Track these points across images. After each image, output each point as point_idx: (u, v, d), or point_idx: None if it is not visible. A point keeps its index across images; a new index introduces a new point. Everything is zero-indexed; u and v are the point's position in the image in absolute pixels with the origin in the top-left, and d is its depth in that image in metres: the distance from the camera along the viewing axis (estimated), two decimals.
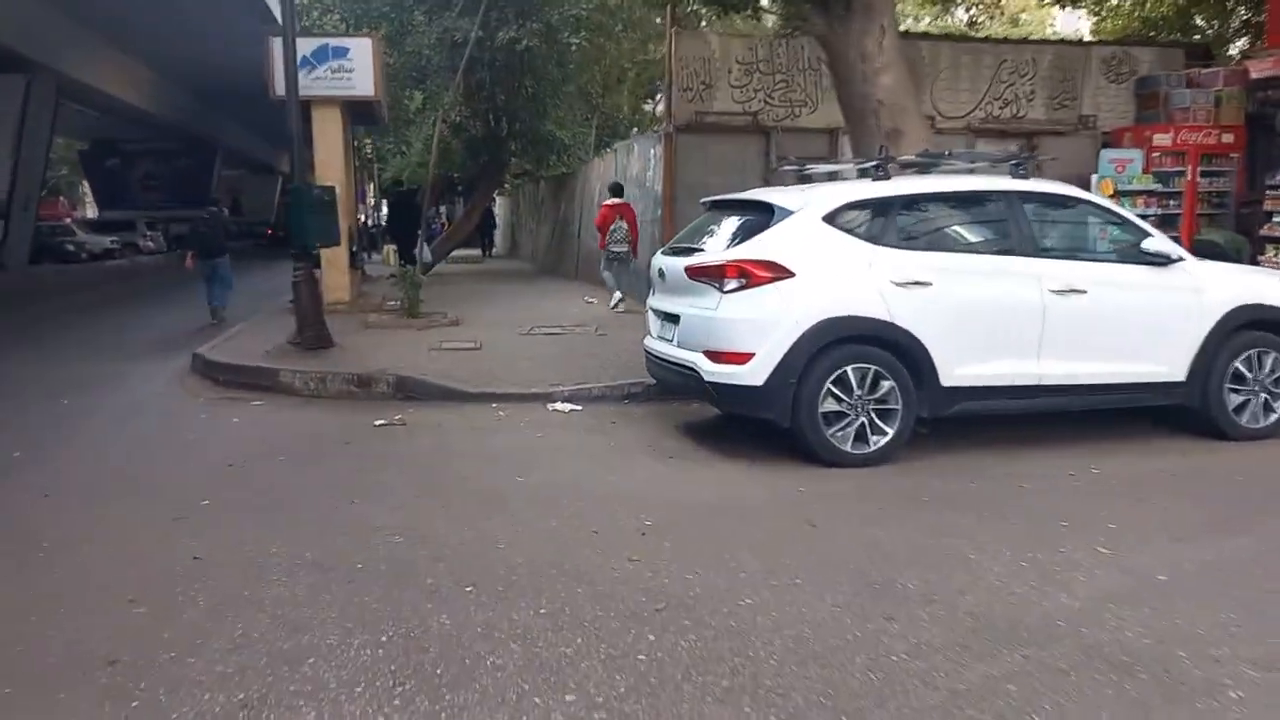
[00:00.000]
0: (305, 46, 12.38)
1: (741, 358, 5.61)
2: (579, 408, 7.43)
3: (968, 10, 30.92)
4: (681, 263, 6.12)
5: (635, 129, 29.30)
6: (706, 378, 5.75)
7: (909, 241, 5.91)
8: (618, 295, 12.68)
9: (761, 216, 5.93)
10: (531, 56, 18.88)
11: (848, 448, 5.65)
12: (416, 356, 8.91)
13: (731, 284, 5.67)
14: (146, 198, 48.43)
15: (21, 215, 26.84)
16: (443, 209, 38.19)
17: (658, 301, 6.59)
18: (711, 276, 5.78)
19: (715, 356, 5.72)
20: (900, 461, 5.71)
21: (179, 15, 23.61)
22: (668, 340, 6.32)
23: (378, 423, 6.95)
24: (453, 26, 18.12)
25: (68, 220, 39.00)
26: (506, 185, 30.25)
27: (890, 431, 5.70)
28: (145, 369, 9.56)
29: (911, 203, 6.02)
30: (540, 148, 20.87)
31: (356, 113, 14.84)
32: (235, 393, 8.20)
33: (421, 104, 19.81)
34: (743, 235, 5.93)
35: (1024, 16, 33.02)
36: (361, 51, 12.47)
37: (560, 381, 7.93)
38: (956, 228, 6.12)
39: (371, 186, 39.30)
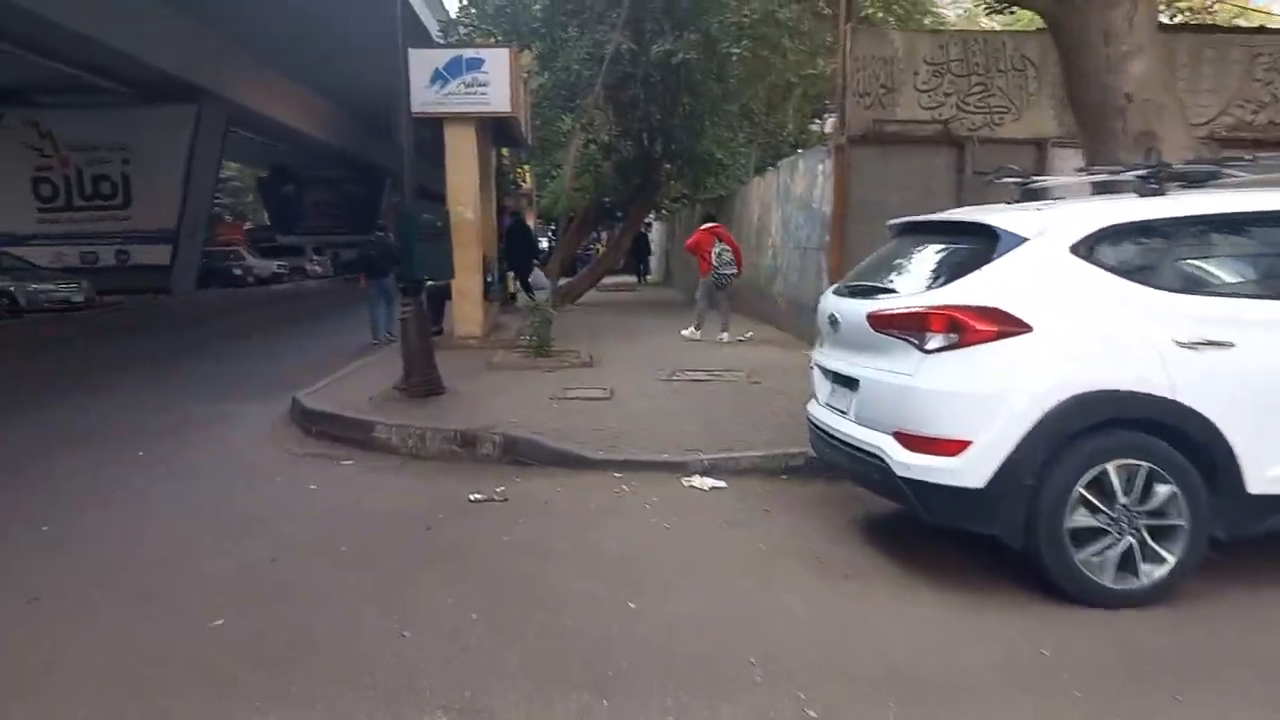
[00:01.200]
0: (438, 59, 11.59)
1: (952, 446, 4.01)
2: (722, 484, 5.98)
3: None
4: (863, 308, 4.57)
5: (800, 150, 27.76)
6: (899, 472, 4.17)
7: (1199, 284, 4.16)
8: (699, 334, 12.49)
9: (979, 245, 4.31)
10: (689, 70, 17.68)
11: (1107, 581, 3.95)
12: (535, 407, 7.69)
13: (938, 340, 4.08)
14: (318, 223, 50.62)
15: (189, 241, 27.88)
16: (602, 234, 37.67)
17: (827, 358, 5.05)
18: (908, 329, 4.22)
19: (912, 442, 4.14)
20: (1184, 603, 3.96)
21: (343, 43, 23.92)
22: (841, 412, 4.76)
23: (473, 497, 5.72)
24: (604, 39, 17.21)
25: (237, 246, 40.87)
26: (664, 210, 29.28)
27: (1171, 559, 3.97)
28: (249, 410, 8.78)
29: (1203, 228, 4.25)
30: (697, 169, 19.64)
31: (498, 133, 14.00)
32: (327, 447, 7.20)
33: (571, 125, 18.97)
34: (952, 271, 4.33)
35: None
36: (497, 63, 11.55)
37: (701, 446, 6.50)
38: (1270, 265, 4.29)
39: (530, 216, 39.40)
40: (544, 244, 25.84)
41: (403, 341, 8.05)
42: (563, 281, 23.61)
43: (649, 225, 37.64)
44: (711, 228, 12.58)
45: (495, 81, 11.60)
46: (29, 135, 26.33)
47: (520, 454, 6.54)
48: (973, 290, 4.10)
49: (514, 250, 24.53)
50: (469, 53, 11.56)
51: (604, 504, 5.62)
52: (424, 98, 11.51)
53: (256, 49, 26.05)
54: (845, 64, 10.47)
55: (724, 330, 12.23)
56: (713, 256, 12.10)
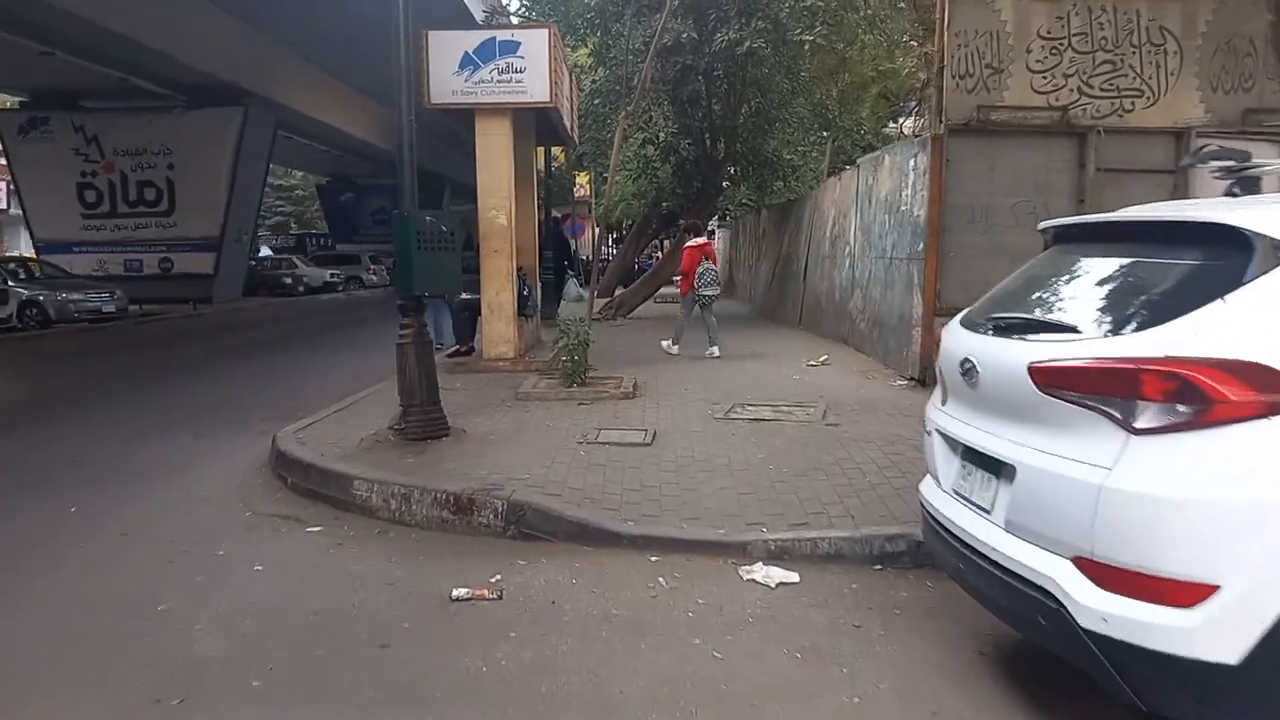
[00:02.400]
0: (467, 41, 10.26)
1: (1183, 592, 2.43)
2: (794, 576, 4.46)
3: None
4: (1021, 354, 2.99)
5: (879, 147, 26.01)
6: (1084, 623, 2.60)
7: None
8: (676, 348, 12.10)
9: (1213, 259, 2.72)
10: (756, 62, 16.18)
11: None
12: (558, 455, 6.25)
13: (1158, 414, 2.52)
14: (376, 232, 50.13)
15: (234, 248, 27.18)
16: (665, 242, 36.24)
17: (956, 421, 3.46)
18: (1105, 393, 2.64)
19: (1110, 578, 2.57)
20: None
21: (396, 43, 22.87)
22: (981, 509, 3.18)
23: (456, 594, 4.29)
24: (664, 28, 15.79)
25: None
26: (726, 216, 27.74)
27: None
28: (232, 448, 7.51)
29: None
30: (763, 171, 18.11)
31: (542, 128, 12.64)
32: (298, 505, 5.86)
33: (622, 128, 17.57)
34: (1171, 301, 2.73)
35: None
36: (535, 46, 10.18)
37: (765, 519, 5.00)
38: None
39: (588, 224, 38.12)
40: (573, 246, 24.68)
41: (399, 372, 6.66)
42: (618, 292, 22.27)
43: (711, 232, 36.16)
44: (700, 245, 12.31)
45: (533, 67, 10.23)
46: (75, 140, 25.88)
47: (528, 524, 5.09)
48: (1217, 333, 2.52)
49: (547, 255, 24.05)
50: (503, 34, 10.21)
51: (631, 609, 4.13)
52: (451, 85, 10.20)
53: (306, 50, 25.26)
54: (943, 39, 8.85)
55: (713, 345, 11.80)
56: (695, 276, 11.89)
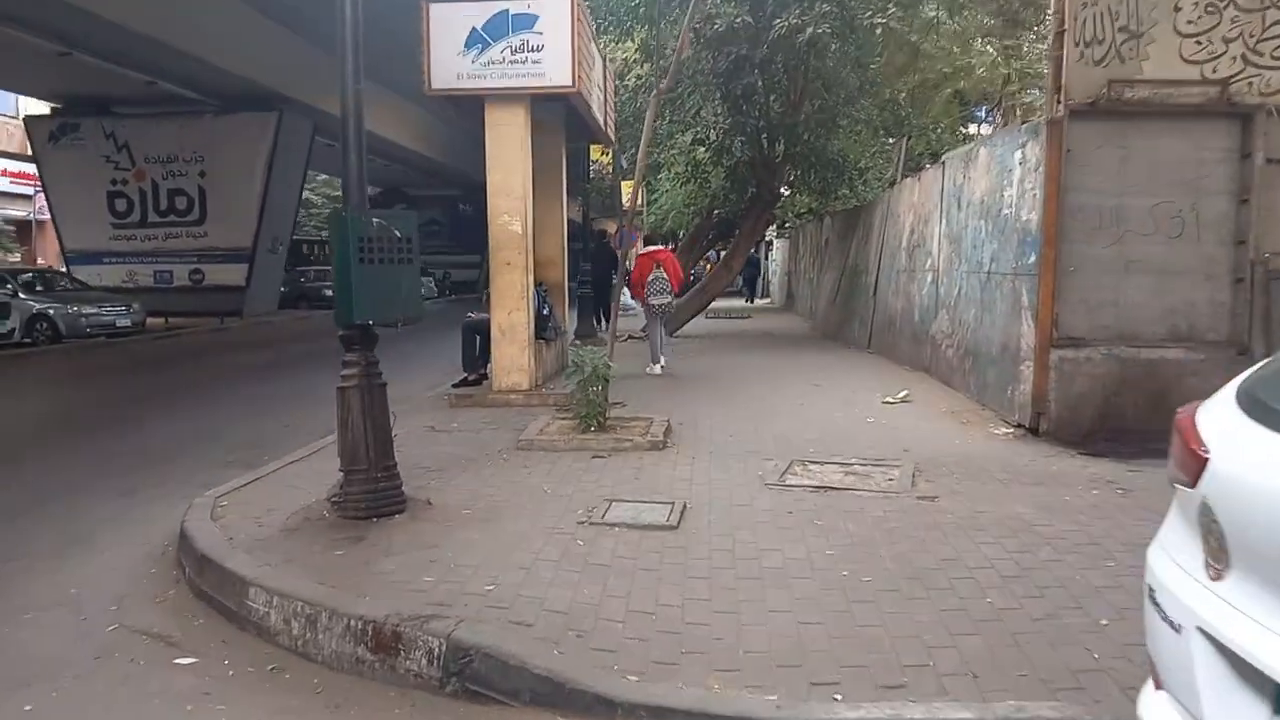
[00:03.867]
0: (475, 15, 8.63)
1: None
2: None
3: None
4: None
5: (947, 152, 23.84)
6: None
7: None
8: (661, 363, 11.47)
9: None
10: (818, 54, 14.39)
11: None
12: (544, 550, 4.51)
13: None
14: (429, 243, 49.16)
15: (268, 259, 26.09)
16: (720, 253, 34.44)
17: (1260, 630, 1.66)
18: None
19: None
20: None
21: None
22: None
23: None
24: (715, 12, 14.09)
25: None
26: (785, 224, 25.87)
27: None
28: (145, 515, 5.90)
29: None
30: (825, 174, 16.23)
31: (571, 123, 11.00)
32: (180, 618, 4.25)
33: (669, 126, 15.82)
34: None
35: None
36: (555, 19, 8.53)
37: (840, 673, 3.26)
38: None
39: (639, 236, 36.55)
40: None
41: (339, 426, 5.00)
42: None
43: (769, 242, 34.20)
44: (652, 252, 11.80)
45: (552, 45, 8.59)
46: (105, 147, 25.02)
47: (477, 678, 3.38)
48: None
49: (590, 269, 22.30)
50: (516, 5, 8.55)
51: None
52: (456, 68, 8.61)
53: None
54: None
55: (654, 362, 11.41)
56: (646, 285, 11.42)
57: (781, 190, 16.78)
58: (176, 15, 18.21)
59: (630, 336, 16.98)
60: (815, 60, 14.65)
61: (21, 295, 18.21)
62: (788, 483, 5.75)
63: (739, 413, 8.33)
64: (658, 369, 11.29)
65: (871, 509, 5.18)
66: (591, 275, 24.60)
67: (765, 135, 15.85)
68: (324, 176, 56.44)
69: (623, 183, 34.48)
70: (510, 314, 8.96)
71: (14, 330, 16.43)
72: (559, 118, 10.90)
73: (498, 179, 8.89)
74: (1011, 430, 7.27)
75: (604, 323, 23.46)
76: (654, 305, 11.48)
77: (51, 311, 18.00)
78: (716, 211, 22.24)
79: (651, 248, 12.10)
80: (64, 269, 26.23)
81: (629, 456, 6.49)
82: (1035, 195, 7.15)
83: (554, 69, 8.58)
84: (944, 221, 9.92)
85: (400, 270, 4.92)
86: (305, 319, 26.65)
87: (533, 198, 11.22)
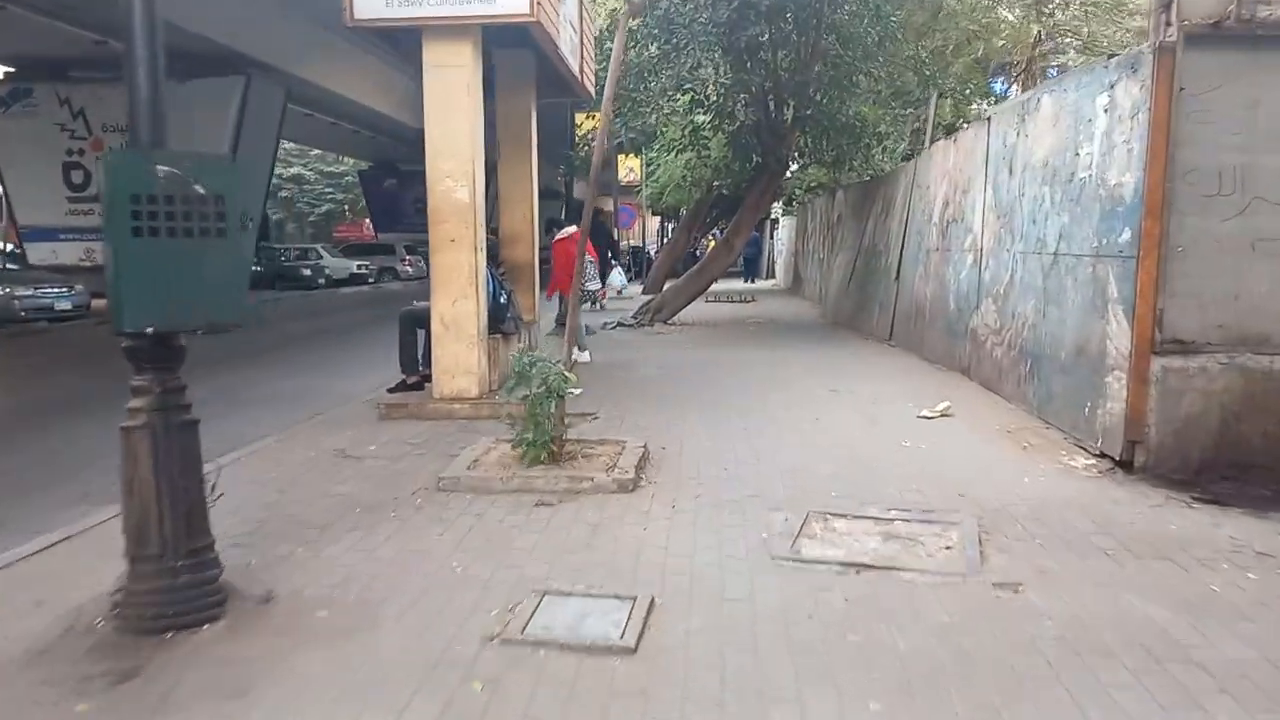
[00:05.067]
0: None
1: None
2: None
3: None
4: None
5: (963, 123, 21.85)
6: None
7: None
8: (587, 354, 10.51)
9: None
10: (833, 1, 12.59)
11: None
12: (415, 699, 2.82)
13: None
14: (418, 220, 47.41)
15: (237, 237, 24.21)
16: (713, 235, 32.63)
17: None
18: None
19: None
20: None
21: None
22: None
23: None
24: None
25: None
26: (793, 199, 24.05)
27: None
28: None
29: None
30: (840, 141, 14.41)
31: (544, 75, 9.21)
32: None
33: (663, 85, 13.97)
34: None
35: None
36: None
37: None
38: None
39: (640, 212, 34.57)
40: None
41: (124, 492, 3.28)
42: (667, 287, 18.82)
43: (774, 220, 32.35)
44: (571, 235, 10.54)
45: None
46: (60, 115, 23.18)
47: None
48: None
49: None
50: None
51: None
52: None
53: (322, 17, 22.27)
54: None
55: (581, 350, 10.24)
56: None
57: (791, 159, 14.94)
58: None
59: (620, 324, 15.28)
60: (829, 9, 12.86)
61: None
62: (804, 553, 4.04)
63: (738, 430, 6.61)
64: (585, 356, 10.37)
65: (929, 609, 3.46)
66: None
67: (772, 97, 14.05)
68: (316, 152, 54.71)
69: (620, 157, 32.79)
70: (455, 303, 7.23)
71: None
72: (527, 67, 9.16)
73: (438, 135, 7.13)
74: (1094, 462, 5.55)
75: (598, 304, 21.92)
76: (589, 291, 10.34)
77: None
78: (718, 184, 20.50)
79: (567, 231, 11.12)
80: (18, 247, 24.63)
81: (585, 504, 4.78)
82: (1131, 151, 5.39)
83: None
84: (989, 190, 8.15)
85: (207, 247, 3.22)
86: (277, 301, 24.94)
87: (497, 162, 9.58)
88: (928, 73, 15.00)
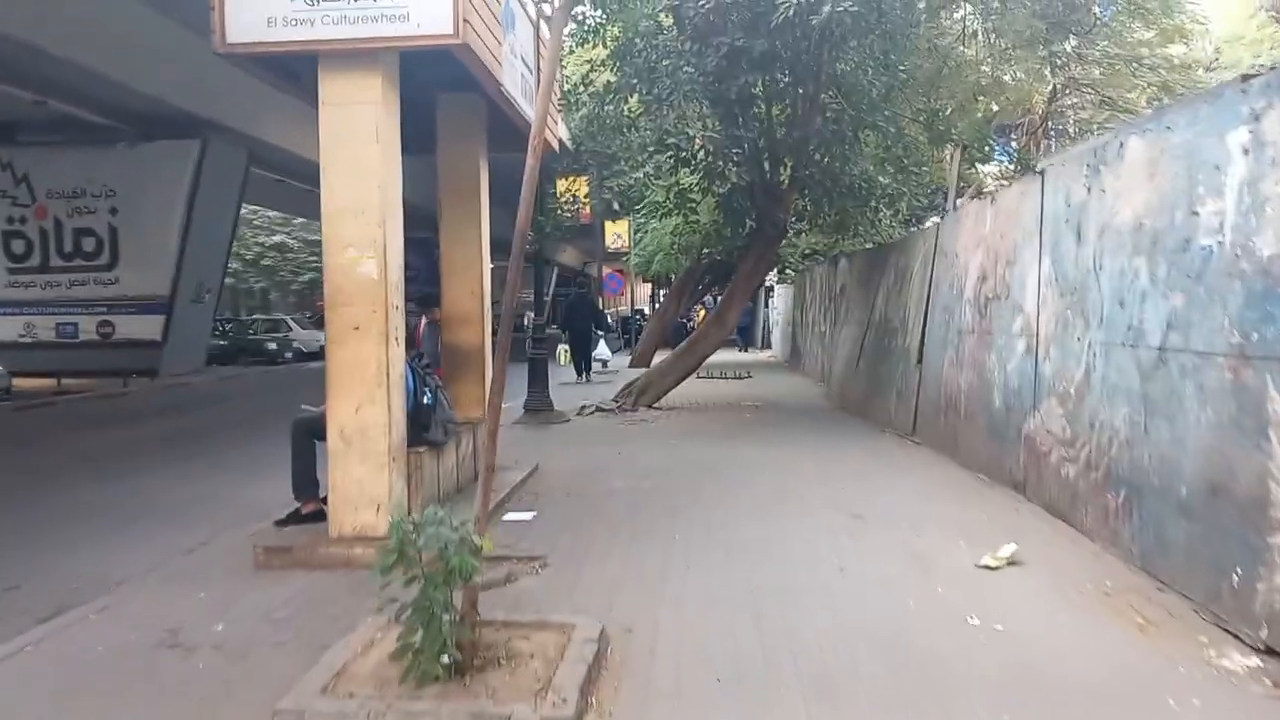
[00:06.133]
0: None
1: None
2: None
3: None
4: None
5: (967, 188, 20.43)
6: None
7: None
8: None
9: None
10: (835, 47, 11.15)
11: None
12: None
13: None
14: (406, 289, 46.01)
15: (191, 310, 22.67)
16: (705, 303, 31.10)
17: None
18: None
19: None
20: None
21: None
22: None
23: None
24: None
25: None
26: (787, 267, 22.52)
27: None
28: None
29: None
30: (846, 204, 12.85)
31: (495, 121, 7.62)
32: None
33: (644, 141, 12.42)
34: None
35: None
36: None
37: None
38: None
39: (626, 281, 33.06)
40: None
41: None
42: (655, 363, 17.15)
43: (769, 288, 30.86)
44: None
45: None
46: (2, 180, 21.70)
47: None
48: None
49: (571, 317, 20.70)
50: None
51: None
52: (266, 9, 5.25)
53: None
54: None
55: None
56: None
57: (789, 224, 13.38)
58: (51, 14, 15.00)
59: (598, 408, 13.55)
60: (830, 58, 11.43)
61: None
62: None
63: (738, 590, 4.82)
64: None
65: None
66: (569, 329, 21.45)
67: (767, 155, 12.55)
68: (300, 220, 53.38)
69: (608, 223, 31.40)
70: (359, 410, 5.50)
71: None
72: (475, 113, 7.58)
73: (339, 191, 5.48)
74: (1259, 663, 3.78)
75: (586, 375, 20.26)
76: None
77: None
78: (708, 251, 18.99)
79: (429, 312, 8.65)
80: None
81: None
82: None
83: (423, 6, 5.20)
84: (1046, 261, 6.51)
85: None
86: (233, 378, 23.20)
87: (438, 226, 7.96)
88: (941, 128, 13.55)
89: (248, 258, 45.71)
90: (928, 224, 21.54)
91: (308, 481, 6.10)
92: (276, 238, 56.16)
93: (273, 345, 28.40)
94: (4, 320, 21.93)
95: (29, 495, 8.65)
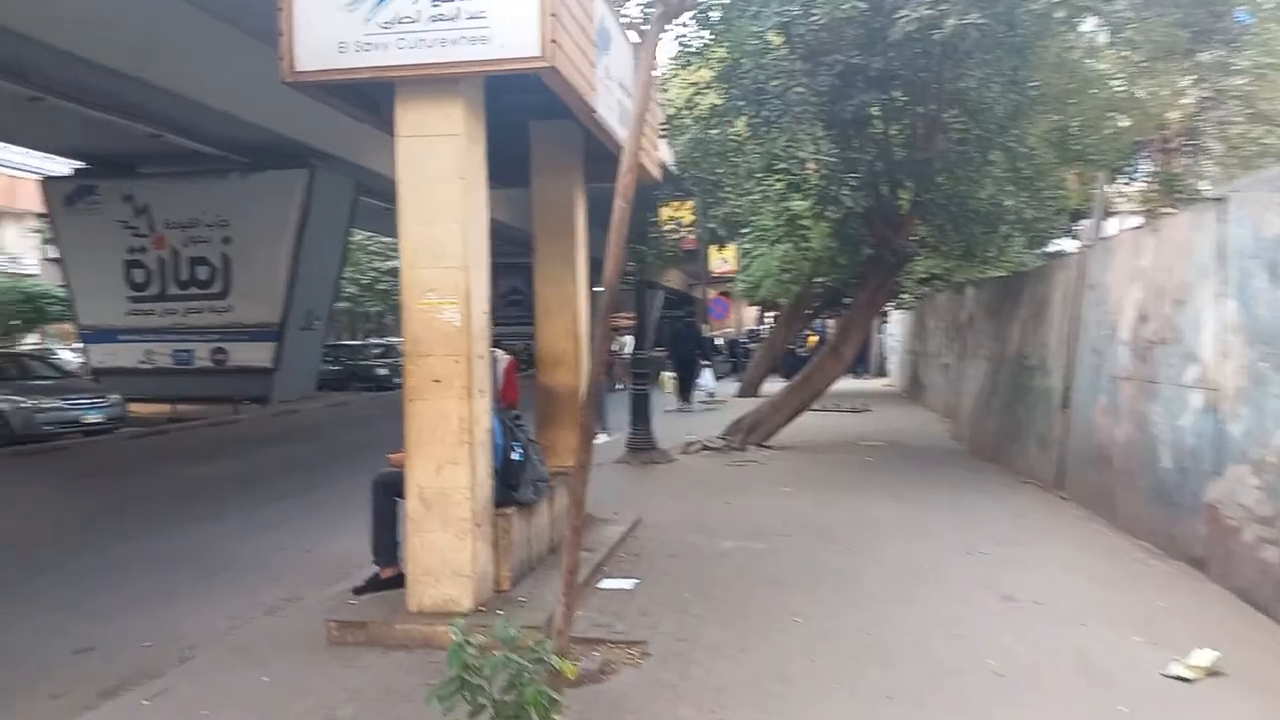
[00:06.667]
0: None
1: None
2: None
3: None
4: None
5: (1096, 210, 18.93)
6: None
7: None
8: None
9: None
10: (958, 63, 10.35)
11: None
12: None
13: None
14: (509, 313, 46.35)
15: (301, 336, 22.99)
16: (815, 328, 30.06)
17: None
18: None
19: None
20: None
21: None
22: None
23: None
24: (813, 2, 10.14)
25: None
26: (903, 293, 21.44)
27: None
28: None
29: None
30: (973, 229, 11.90)
31: (590, 147, 7.11)
32: None
33: (751, 167, 11.75)
34: None
35: None
36: None
37: None
38: None
39: (732, 305, 32.24)
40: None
41: None
42: (764, 399, 16.40)
43: (883, 312, 29.64)
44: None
45: None
46: (124, 211, 22.47)
47: None
48: None
49: (676, 345, 20.63)
50: None
51: None
52: (338, 33, 4.84)
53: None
54: None
55: None
56: None
57: (910, 251, 12.51)
58: (161, 50, 15.35)
59: (705, 447, 12.89)
60: (951, 75, 10.62)
61: None
62: None
63: (869, 701, 4.09)
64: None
65: None
66: (673, 358, 20.93)
67: (884, 178, 11.75)
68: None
69: (712, 248, 30.72)
70: (440, 470, 5.00)
71: None
72: (571, 143, 7.08)
73: (417, 228, 5.01)
74: None
75: (690, 402, 19.70)
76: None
77: (5, 406, 14.96)
78: (820, 280, 18.20)
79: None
80: (80, 347, 23.93)
81: None
82: None
83: (507, 28, 4.70)
84: (1232, 304, 5.58)
85: None
86: (342, 405, 23.41)
87: (532, 262, 7.48)
88: (1077, 147, 12.47)
89: (363, 282, 46.69)
90: (1050, 248, 20.16)
91: (388, 544, 5.63)
92: (391, 262, 57.57)
93: (383, 370, 28.61)
94: (125, 347, 22.66)
95: (122, 534, 8.53)
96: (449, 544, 5.04)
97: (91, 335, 23.18)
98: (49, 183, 23.47)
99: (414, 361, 5.04)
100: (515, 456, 5.69)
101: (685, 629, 5.06)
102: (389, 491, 5.57)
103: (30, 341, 34.45)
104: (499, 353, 6.03)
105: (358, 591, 5.56)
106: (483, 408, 5.20)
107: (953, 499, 8.87)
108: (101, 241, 22.57)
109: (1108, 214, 17.42)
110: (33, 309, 32.20)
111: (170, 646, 5.23)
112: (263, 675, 4.57)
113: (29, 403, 15.08)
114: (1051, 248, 21.31)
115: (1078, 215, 19.75)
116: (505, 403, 6.09)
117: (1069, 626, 5.01)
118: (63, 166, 23.98)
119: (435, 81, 4.87)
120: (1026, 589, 5.71)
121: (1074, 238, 21.66)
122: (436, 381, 5.01)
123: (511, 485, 5.68)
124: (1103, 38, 15.38)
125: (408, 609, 5.09)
